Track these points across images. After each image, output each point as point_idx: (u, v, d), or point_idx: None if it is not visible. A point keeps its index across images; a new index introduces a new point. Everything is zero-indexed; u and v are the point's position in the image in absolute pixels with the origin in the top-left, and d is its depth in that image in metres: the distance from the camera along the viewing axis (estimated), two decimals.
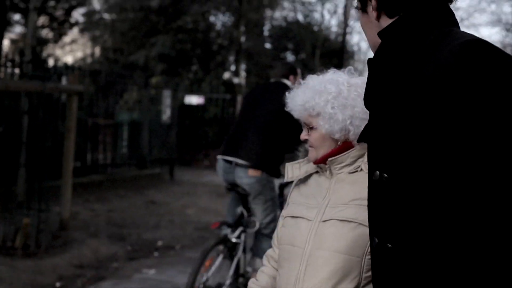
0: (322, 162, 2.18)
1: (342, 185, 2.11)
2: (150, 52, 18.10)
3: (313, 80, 2.20)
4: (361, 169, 2.12)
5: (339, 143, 2.15)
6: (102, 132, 11.76)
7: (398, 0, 1.42)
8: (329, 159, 2.15)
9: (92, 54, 22.32)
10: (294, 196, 2.29)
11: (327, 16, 24.64)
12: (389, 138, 1.35)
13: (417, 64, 1.32)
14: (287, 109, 2.22)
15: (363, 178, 1.98)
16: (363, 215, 1.92)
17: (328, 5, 25.13)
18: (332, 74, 2.19)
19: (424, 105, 1.24)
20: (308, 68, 18.16)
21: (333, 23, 25.39)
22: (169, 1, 17.96)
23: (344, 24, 21.44)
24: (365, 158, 2.07)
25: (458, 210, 1.16)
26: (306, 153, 2.31)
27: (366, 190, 1.81)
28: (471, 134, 1.17)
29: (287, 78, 5.12)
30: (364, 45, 25.81)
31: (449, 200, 1.18)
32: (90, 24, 20.66)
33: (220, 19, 19.76)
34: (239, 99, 15.28)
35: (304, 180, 2.28)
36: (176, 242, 7.50)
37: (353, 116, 2.10)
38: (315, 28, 21.92)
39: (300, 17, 21.62)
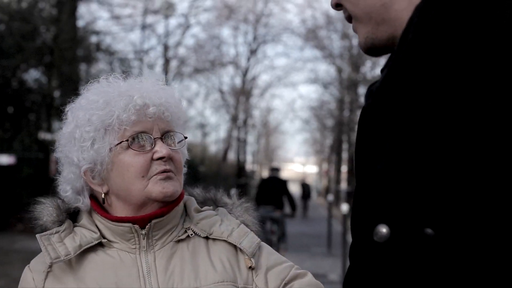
0: (136, 222, 1.47)
1: (175, 261, 1.48)
2: None
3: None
4: (193, 234, 1.53)
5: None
6: None
7: None
8: (154, 220, 1.47)
9: None
10: None
11: (145, 71, 24.47)
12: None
13: None
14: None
15: (201, 246, 1.52)
16: None
17: (146, 59, 25.05)
18: None
19: None
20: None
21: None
22: None
23: (164, 80, 21.38)
24: (196, 216, 1.55)
25: None
26: (60, 213, 1.53)
27: (226, 264, 1.47)
28: None
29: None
30: (184, 103, 25.96)
31: None
32: None
33: (32, 75, 18.82)
34: (53, 157, 14.47)
35: (77, 261, 1.47)
36: None
37: None
38: None
39: (117, 72, 21.26)
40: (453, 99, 0.80)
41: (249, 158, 45.00)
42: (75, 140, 1.47)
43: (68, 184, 1.51)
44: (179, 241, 1.50)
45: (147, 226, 1.46)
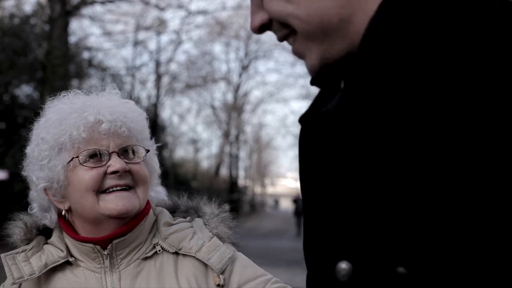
0: (98, 243, 1.43)
1: (140, 281, 1.44)
2: None
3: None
4: (161, 249, 1.47)
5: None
6: None
7: None
8: (116, 241, 1.43)
9: None
10: None
11: (137, 87, 24.63)
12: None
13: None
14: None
15: (169, 264, 1.46)
16: None
17: (138, 75, 25.13)
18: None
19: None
20: None
21: (143, 95, 25.56)
22: None
23: (156, 96, 21.49)
24: (165, 230, 1.49)
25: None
26: (27, 231, 1.51)
27: (192, 283, 1.40)
28: None
29: None
30: (176, 119, 26.08)
31: None
32: None
33: (24, 90, 18.83)
34: None
35: (45, 280, 1.46)
36: None
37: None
38: None
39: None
40: (410, 117, 0.70)
41: (241, 173, 45.05)
42: (34, 159, 1.47)
43: (34, 202, 1.51)
44: (146, 258, 1.45)
45: (108, 247, 1.42)
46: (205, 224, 1.52)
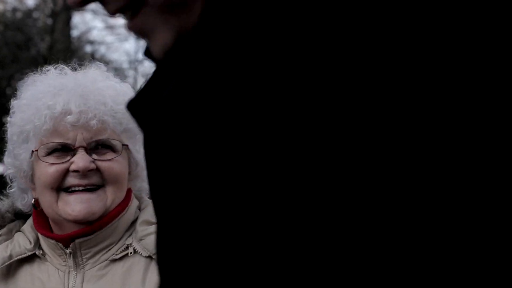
0: (60, 240, 1.29)
1: (102, 285, 1.28)
2: None
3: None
4: (133, 252, 1.29)
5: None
6: None
7: None
8: (78, 240, 1.27)
9: None
10: None
11: (140, 81, 24.62)
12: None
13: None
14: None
15: (138, 269, 1.28)
16: None
17: (141, 69, 25.15)
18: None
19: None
20: None
21: None
22: None
23: None
24: (141, 230, 1.30)
25: None
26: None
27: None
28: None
29: None
30: None
31: None
32: None
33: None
34: None
35: (13, 271, 1.33)
36: None
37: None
38: None
39: None
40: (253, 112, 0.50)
41: None
42: (7, 141, 1.35)
43: (15, 181, 1.38)
44: (115, 260, 1.29)
45: (71, 245, 1.28)
46: None
